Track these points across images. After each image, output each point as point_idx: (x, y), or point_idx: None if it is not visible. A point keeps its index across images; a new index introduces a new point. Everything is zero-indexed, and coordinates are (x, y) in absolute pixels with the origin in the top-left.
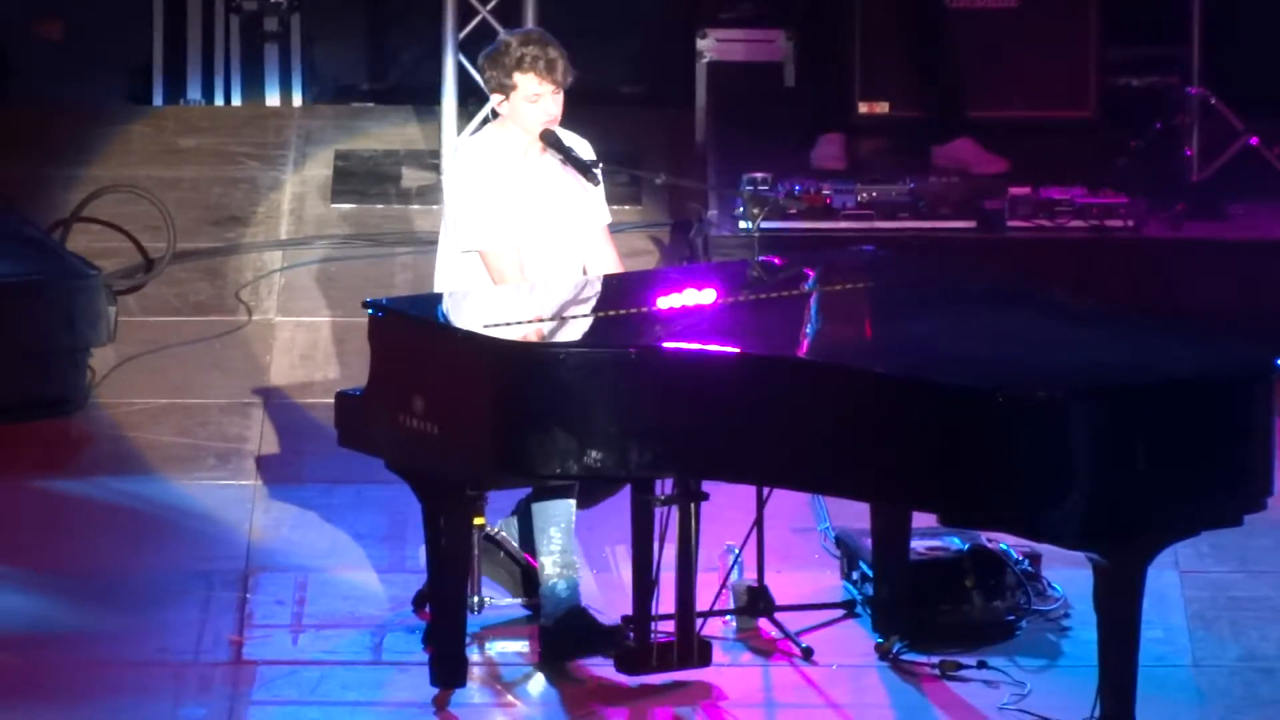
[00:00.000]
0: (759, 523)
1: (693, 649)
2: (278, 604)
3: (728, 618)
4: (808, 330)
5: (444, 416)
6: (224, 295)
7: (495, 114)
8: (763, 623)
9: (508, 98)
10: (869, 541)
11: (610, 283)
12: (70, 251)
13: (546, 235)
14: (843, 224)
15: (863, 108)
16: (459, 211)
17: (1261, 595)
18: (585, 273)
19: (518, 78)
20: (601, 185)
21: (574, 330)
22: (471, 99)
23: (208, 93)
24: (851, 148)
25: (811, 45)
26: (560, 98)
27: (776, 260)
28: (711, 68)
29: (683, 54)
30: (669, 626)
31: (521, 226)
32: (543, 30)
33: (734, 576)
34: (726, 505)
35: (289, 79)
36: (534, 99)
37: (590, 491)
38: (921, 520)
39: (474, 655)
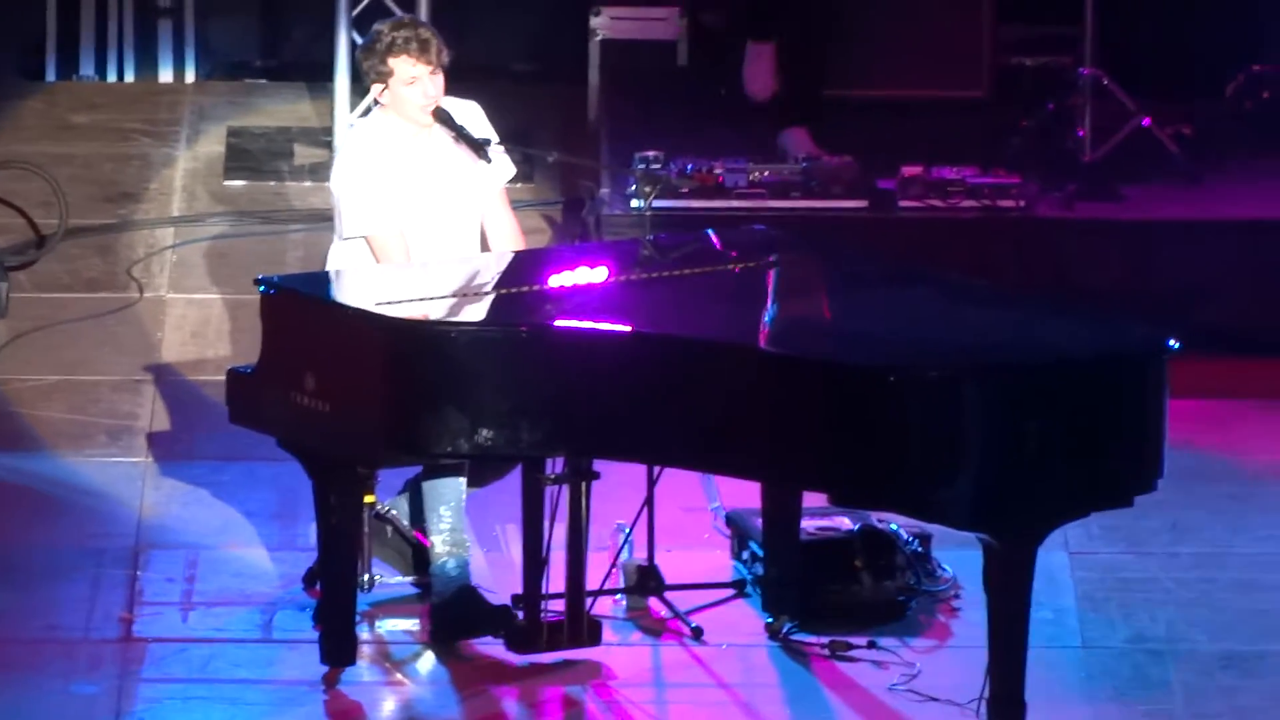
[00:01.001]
0: (649, 502)
1: (583, 628)
2: (168, 581)
3: (618, 597)
4: (698, 309)
5: (335, 394)
6: (116, 272)
7: (379, 104)
8: (653, 602)
9: (387, 85)
10: (759, 521)
11: (502, 261)
12: None
13: (437, 216)
14: (735, 203)
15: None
16: (343, 199)
17: (1150, 577)
18: (484, 239)
19: (392, 63)
20: (501, 149)
21: (465, 308)
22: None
23: (101, 68)
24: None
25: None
26: (439, 78)
27: (666, 238)
28: (604, 45)
29: (576, 31)
30: (559, 606)
31: (410, 209)
32: (415, 15)
33: (624, 556)
34: (617, 484)
35: (182, 55)
36: (411, 81)
37: (482, 471)
38: (812, 500)
39: (364, 633)
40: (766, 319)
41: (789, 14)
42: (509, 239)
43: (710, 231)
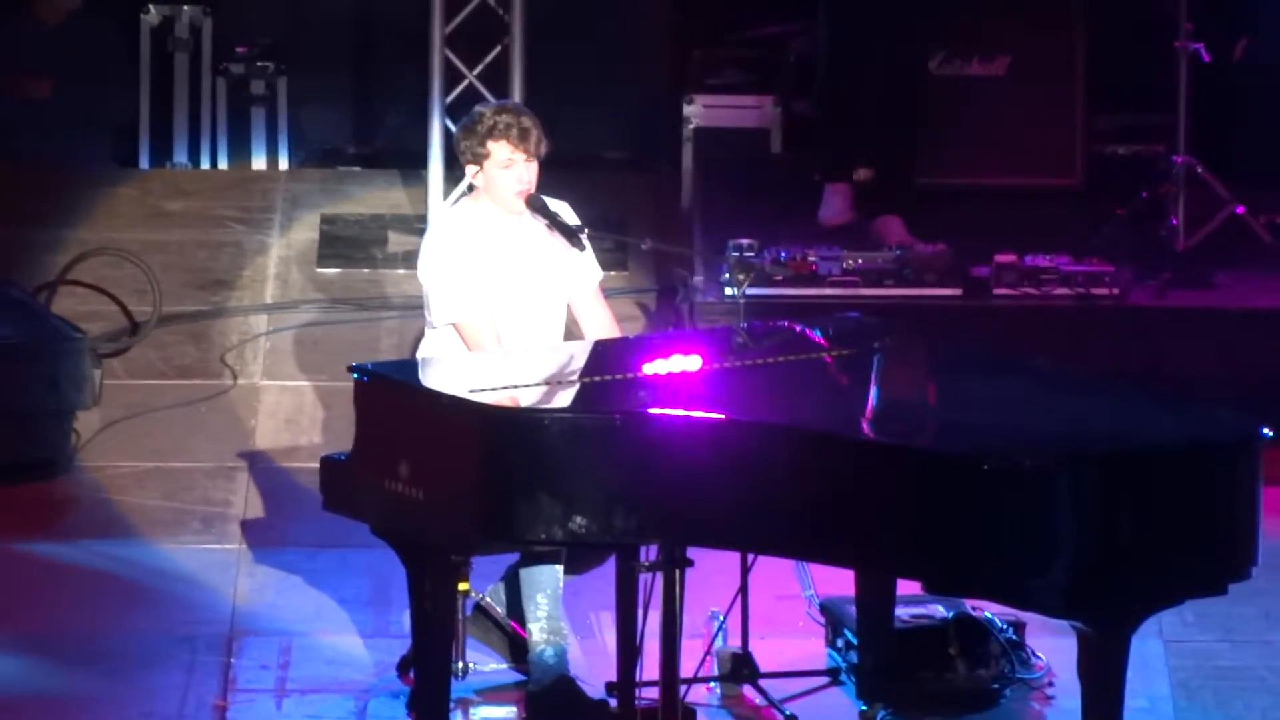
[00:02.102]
0: (743, 589)
1: (677, 716)
2: (262, 668)
3: (712, 684)
4: (792, 397)
5: (429, 481)
6: (209, 359)
7: (472, 188)
8: (747, 690)
9: (482, 167)
10: (854, 609)
11: (596, 348)
12: (55, 314)
13: (527, 302)
14: (828, 290)
15: (857, 175)
16: (432, 286)
17: (1246, 665)
18: (583, 334)
19: (490, 146)
20: (590, 247)
21: (559, 395)
22: (458, 164)
23: (194, 155)
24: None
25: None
26: (534, 167)
27: (760, 326)
28: (698, 133)
29: (670, 119)
30: (654, 693)
31: (499, 296)
32: (518, 102)
33: (719, 643)
34: (711, 571)
35: (275, 142)
36: (508, 165)
37: (579, 558)
38: (906, 588)
39: None
40: (861, 407)
41: (880, 111)
42: (607, 334)
43: (797, 325)
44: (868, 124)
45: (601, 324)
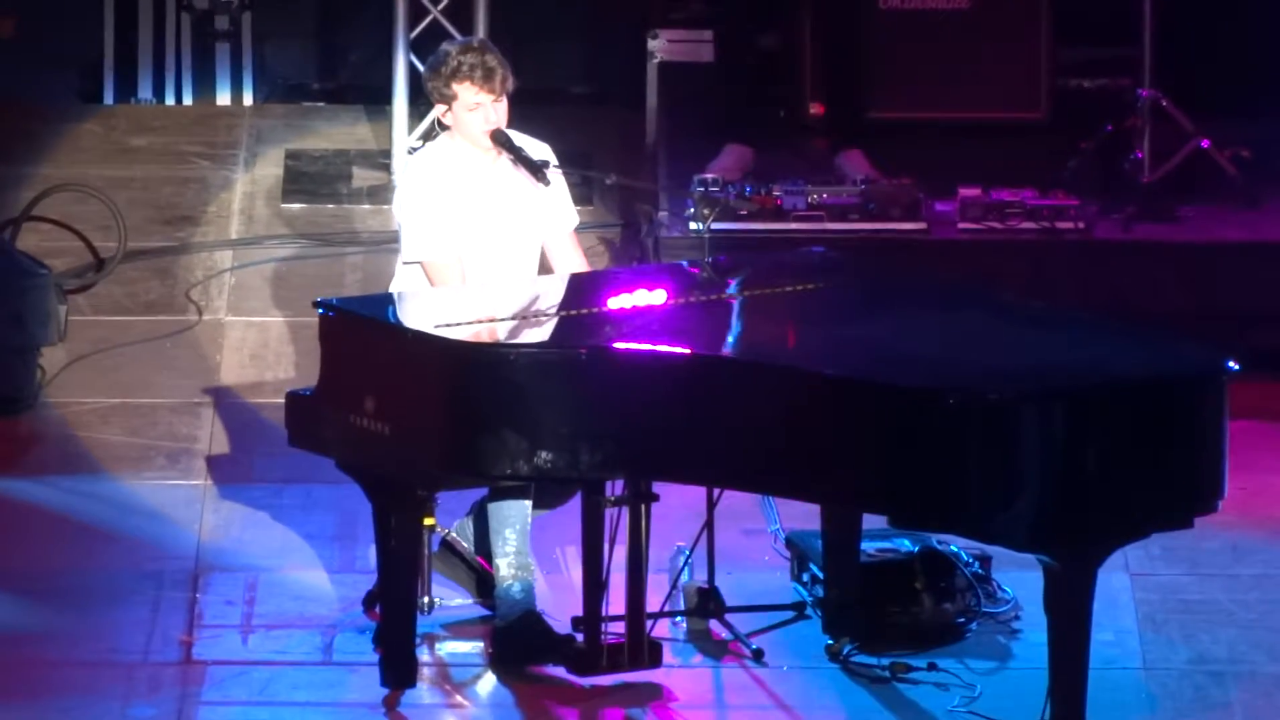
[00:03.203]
0: (709, 524)
1: (643, 650)
2: (228, 604)
3: (678, 619)
4: (758, 332)
5: (394, 416)
6: (174, 295)
7: (442, 125)
8: (713, 624)
9: (450, 108)
10: (819, 543)
11: (561, 284)
12: (20, 250)
13: (497, 240)
14: (793, 225)
15: (812, 109)
16: (405, 224)
17: (1211, 598)
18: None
19: (456, 87)
20: (564, 188)
21: (524, 330)
22: (422, 99)
23: (159, 91)
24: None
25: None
26: (502, 106)
27: (726, 260)
28: (662, 68)
29: (634, 54)
30: (620, 628)
31: (469, 234)
32: (484, 40)
33: (684, 578)
34: (677, 506)
35: (240, 78)
36: (474, 108)
37: (546, 493)
38: (872, 522)
39: (424, 656)
40: (825, 341)
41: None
42: None
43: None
44: (816, 58)
45: (575, 268)
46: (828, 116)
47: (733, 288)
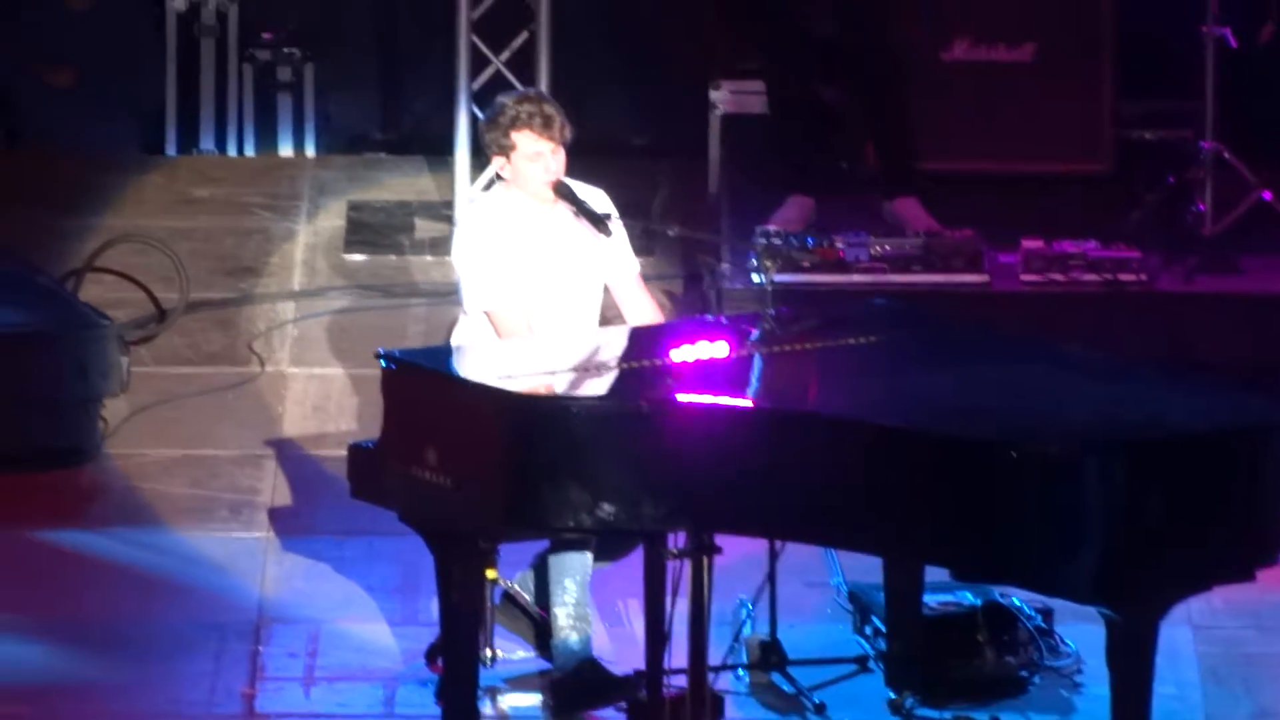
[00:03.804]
0: (772, 576)
1: (705, 703)
2: (290, 656)
3: (740, 672)
4: (820, 384)
5: (457, 468)
6: (237, 346)
7: (500, 179)
8: (775, 677)
9: (509, 159)
10: (882, 596)
11: (623, 335)
12: (83, 302)
13: (556, 290)
14: (855, 277)
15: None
16: (464, 273)
17: (1275, 651)
18: (625, 322)
19: (515, 137)
20: (624, 236)
21: (586, 383)
22: (485, 150)
23: (221, 143)
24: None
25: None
26: (561, 156)
27: (788, 311)
28: (725, 120)
29: (697, 105)
30: (681, 681)
31: (530, 284)
32: (540, 90)
33: (746, 630)
34: (739, 559)
35: (302, 129)
36: (534, 157)
37: (608, 545)
38: (934, 575)
39: (486, 709)
40: (888, 393)
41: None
42: (651, 322)
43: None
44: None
45: (645, 313)
46: (889, 169)
47: (794, 340)
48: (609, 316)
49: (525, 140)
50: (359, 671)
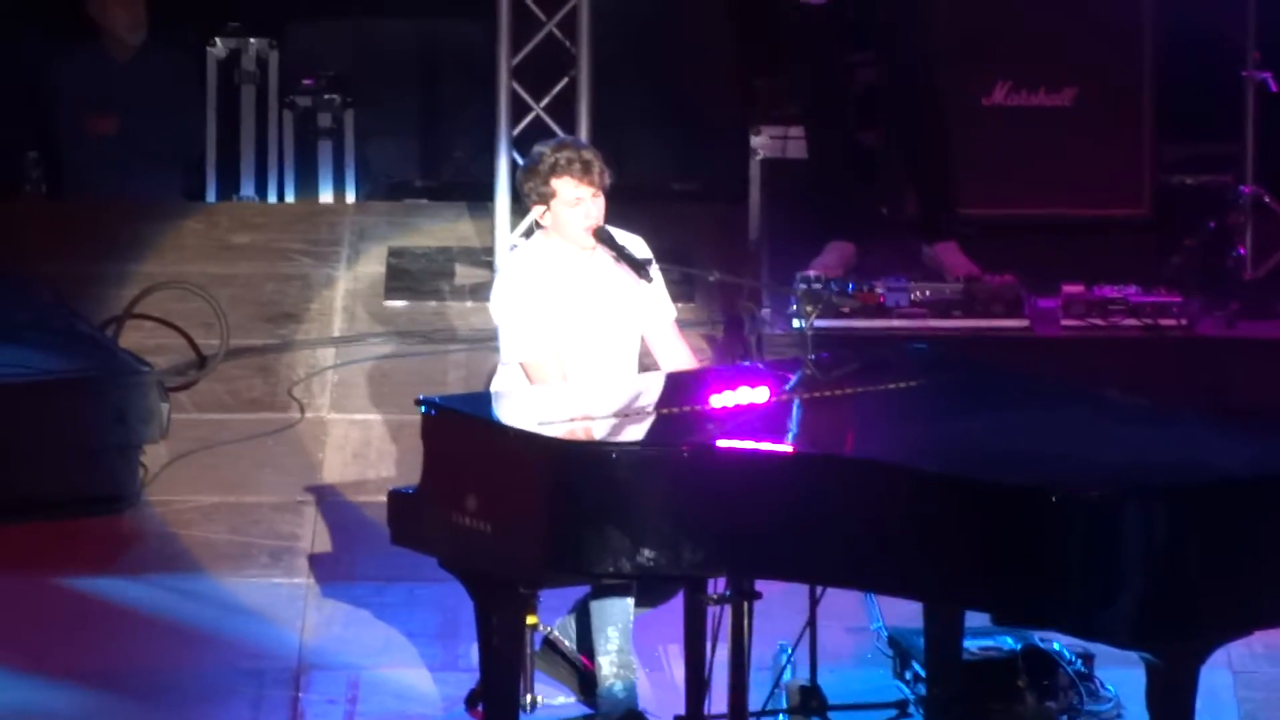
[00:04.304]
0: (812, 621)
1: None
2: (330, 703)
3: (781, 717)
4: (860, 429)
5: (497, 514)
6: (277, 392)
7: (540, 226)
8: None
9: (549, 206)
10: (922, 640)
11: (664, 380)
12: (123, 348)
13: (595, 336)
14: (896, 322)
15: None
16: (500, 324)
17: None
18: (660, 368)
19: (555, 184)
20: (662, 283)
21: (626, 428)
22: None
23: (261, 189)
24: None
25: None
26: (600, 201)
27: (828, 356)
28: (765, 165)
29: (737, 151)
30: None
31: (567, 331)
32: (576, 137)
33: (787, 676)
34: (779, 604)
35: (342, 175)
36: (575, 203)
37: (649, 591)
38: (974, 619)
39: None
40: (928, 438)
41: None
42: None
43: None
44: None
45: (680, 360)
46: (928, 213)
47: (835, 385)
48: (647, 364)
49: (565, 186)
50: (399, 718)
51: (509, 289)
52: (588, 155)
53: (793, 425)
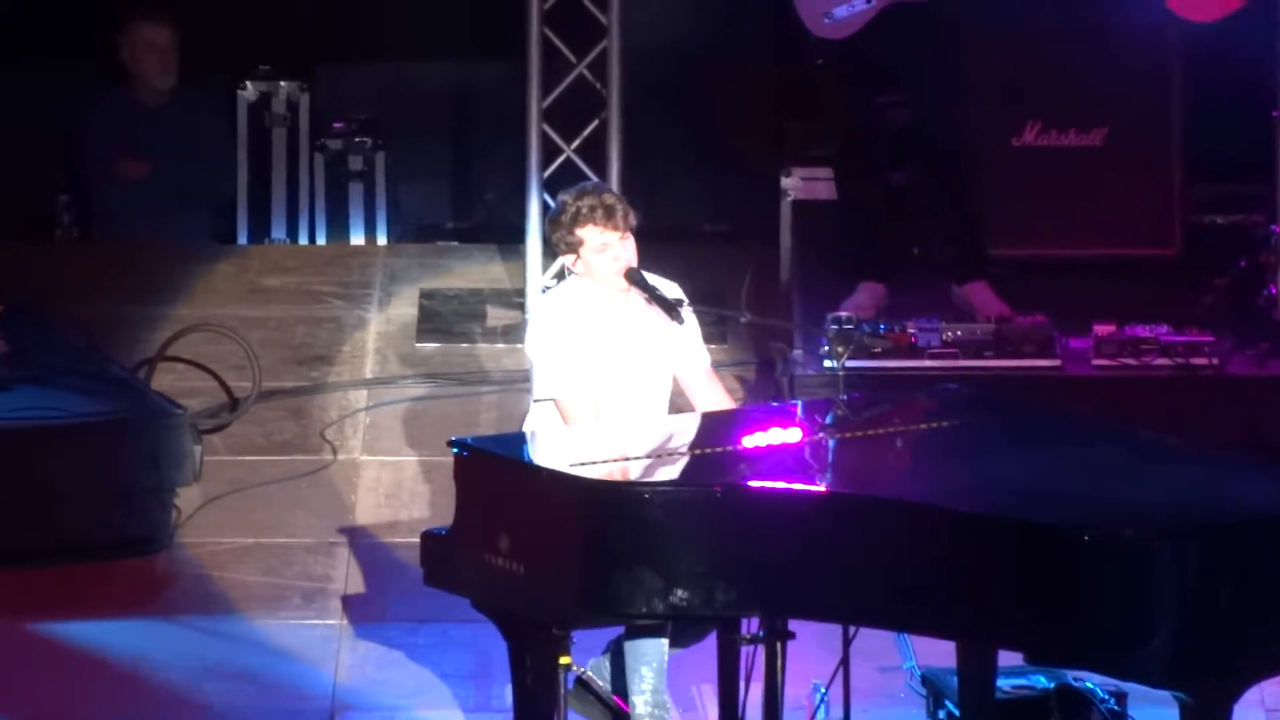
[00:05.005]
0: (845, 661)
1: None
2: None
3: None
4: (892, 468)
5: (530, 555)
6: (309, 434)
7: (573, 273)
8: None
9: (578, 254)
10: (955, 680)
11: (696, 421)
12: (155, 390)
13: (628, 377)
14: (927, 362)
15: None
16: (534, 361)
17: None
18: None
19: (580, 232)
20: (695, 325)
21: (659, 468)
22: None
23: (292, 231)
24: (887, 295)
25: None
26: (630, 243)
27: (860, 397)
28: (796, 206)
29: (767, 192)
30: None
31: (599, 372)
32: (598, 182)
33: (820, 715)
34: (812, 644)
35: (373, 217)
36: (601, 249)
37: (682, 631)
38: (1007, 658)
39: None
40: (960, 478)
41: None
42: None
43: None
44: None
45: (715, 404)
46: (957, 253)
47: (867, 425)
48: (680, 405)
49: (590, 234)
50: None
51: (543, 327)
52: (610, 200)
53: (825, 465)
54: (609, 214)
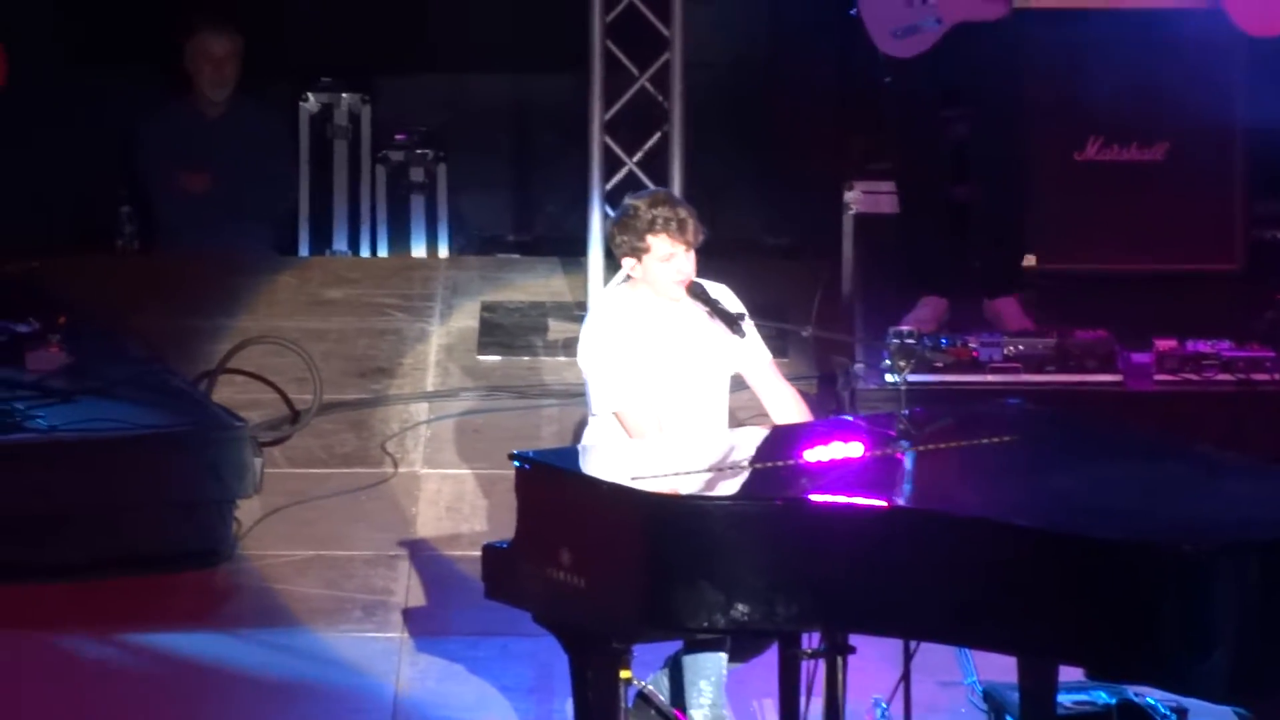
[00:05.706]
0: (906, 676)
1: None
2: None
3: None
4: (954, 483)
5: (591, 569)
6: (370, 447)
7: (630, 278)
8: None
9: (640, 260)
10: (1016, 695)
11: (757, 435)
12: (216, 403)
13: (684, 387)
14: (989, 377)
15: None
16: (592, 374)
17: None
18: (768, 414)
19: (650, 240)
20: (754, 330)
21: (720, 483)
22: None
23: (354, 243)
24: (949, 310)
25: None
26: (692, 257)
27: (922, 411)
28: (858, 220)
29: (829, 206)
30: None
31: (658, 382)
32: (668, 191)
33: None
34: (873, 658)
35: (435, 230)
36: (667, 258)
37: (742, 645)
38: (1068, 674)
39: None
40: (1022, 493)
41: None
42: (793, 409)
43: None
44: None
45: (785, 400)
46: (993, 266)
47: (929, 440)
48: (741, 418)
49: (660, 244)
50: None
51: (596, 337)
52: (684, 213)
53: (886, 479)
54: (682, 227)
